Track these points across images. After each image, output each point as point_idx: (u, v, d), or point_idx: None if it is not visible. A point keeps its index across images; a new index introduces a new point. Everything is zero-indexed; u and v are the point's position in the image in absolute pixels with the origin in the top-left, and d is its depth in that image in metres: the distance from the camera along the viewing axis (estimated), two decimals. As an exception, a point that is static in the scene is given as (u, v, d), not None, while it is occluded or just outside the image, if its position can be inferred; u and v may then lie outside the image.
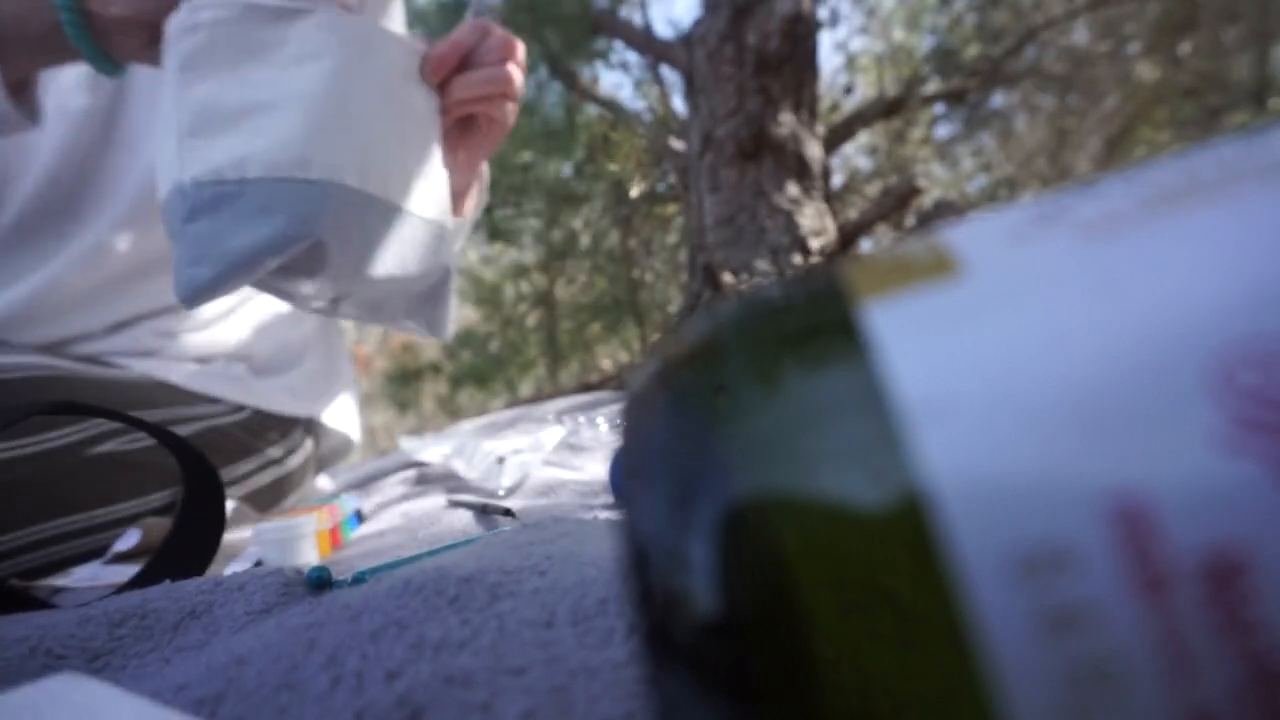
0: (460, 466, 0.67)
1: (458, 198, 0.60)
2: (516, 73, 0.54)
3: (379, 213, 0.48)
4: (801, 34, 2.14)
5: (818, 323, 0.12)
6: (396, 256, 0.50)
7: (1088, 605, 0.09)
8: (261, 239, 0.44)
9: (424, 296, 0.55)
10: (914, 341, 0.10)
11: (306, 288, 0.49)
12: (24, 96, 0.51)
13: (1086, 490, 0.09)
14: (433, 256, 0.53)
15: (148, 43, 0.48)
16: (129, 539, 0.50)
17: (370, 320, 0.55)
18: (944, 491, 0.09)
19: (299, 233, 0.45)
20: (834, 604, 0.10)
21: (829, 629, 0.10)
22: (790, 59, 2.15)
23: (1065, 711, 0.09)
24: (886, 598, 0.10)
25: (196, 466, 0.40)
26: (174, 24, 0.46)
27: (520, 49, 0.54)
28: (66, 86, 0.59)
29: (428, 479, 0.71)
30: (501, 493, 0.58)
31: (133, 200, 0.61)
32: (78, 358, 0.61)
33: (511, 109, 0.56)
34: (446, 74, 0.52)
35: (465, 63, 0.53)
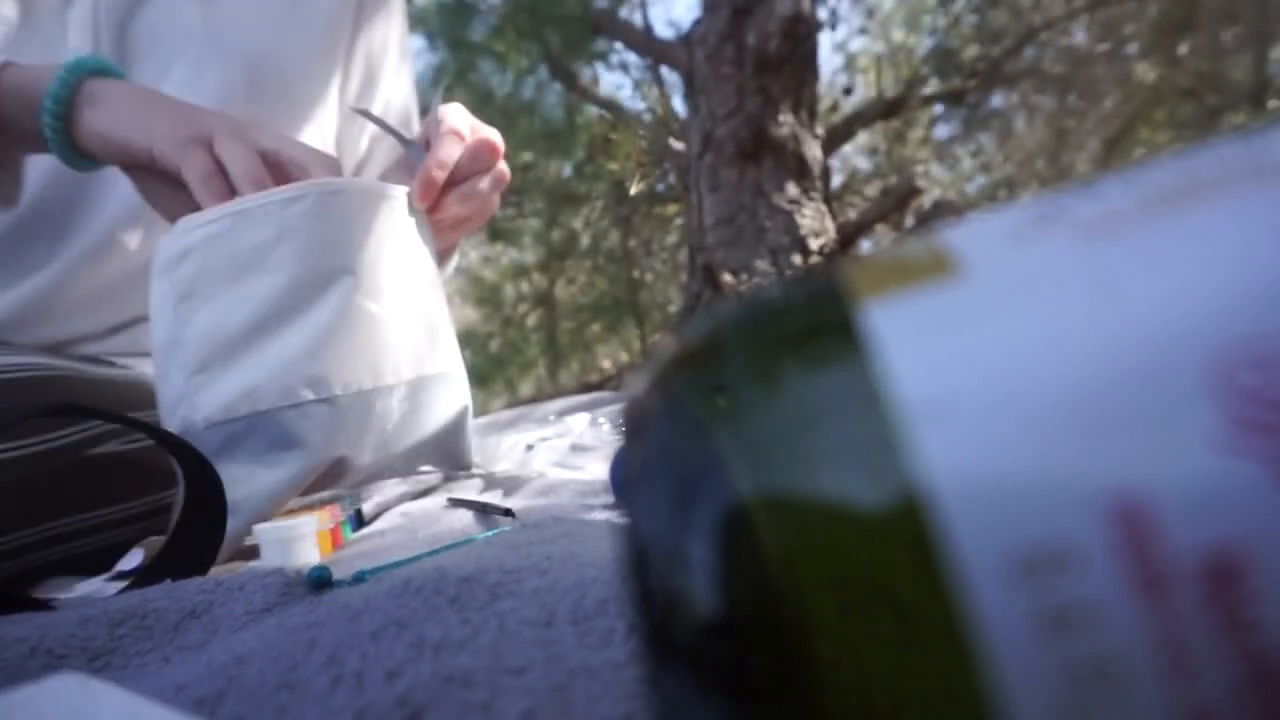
0: (481, 464, 0.67)
1: (443, 255, 0.61)
2: (503, 171, 0.56)
3: (398, 396, 0.48)
4: (801, 34, 2.14)
5: (818, 323, 0.12)
6: (419, 422, 0.51)
7: (1088, 605, 0.09)
8: (281, 477, 0.44)
9: (445, 438, 0.55)
10: (914, 342, 0.11)
11: (337, 486, 0.49)
12: (5, 175, 0.52)
13: (1086, 490, 0.09)
14: (451, 403, 0.53)
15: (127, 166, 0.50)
16: (133, 558, 0.50)
17: (408, 472, 0.55)
18: (944, 491, 0.09)
19: (319, 460, 0.44)
20: (834, 604, 0.10)
21: (829, 629, 0.10)
22: (790, 59, 2.15)
23: (1065, 711, 0.09)
24: (886, 598, 0.10)
25: (196, 467, 0.40)
26: (164, 253, 0.46)
27: (500, 142, 0.56)
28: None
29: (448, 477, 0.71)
30: (537, 473, 0.58)
31: (130, 202, 0.61)
32: (78, 358, 0.61)
33: (498, 198, 0.58)
34: (439, 197, 0.54)
35: (453, 177, 0.54)
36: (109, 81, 0.49)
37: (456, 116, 0.56)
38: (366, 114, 0.61)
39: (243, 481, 0.44)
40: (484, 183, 0.56)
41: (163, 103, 0.49)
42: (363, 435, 0.47)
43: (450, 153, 0.53)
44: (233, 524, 0.43)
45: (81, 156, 0.50)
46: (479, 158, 0.55)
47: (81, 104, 0.48)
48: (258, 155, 0.47)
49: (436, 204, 0.54)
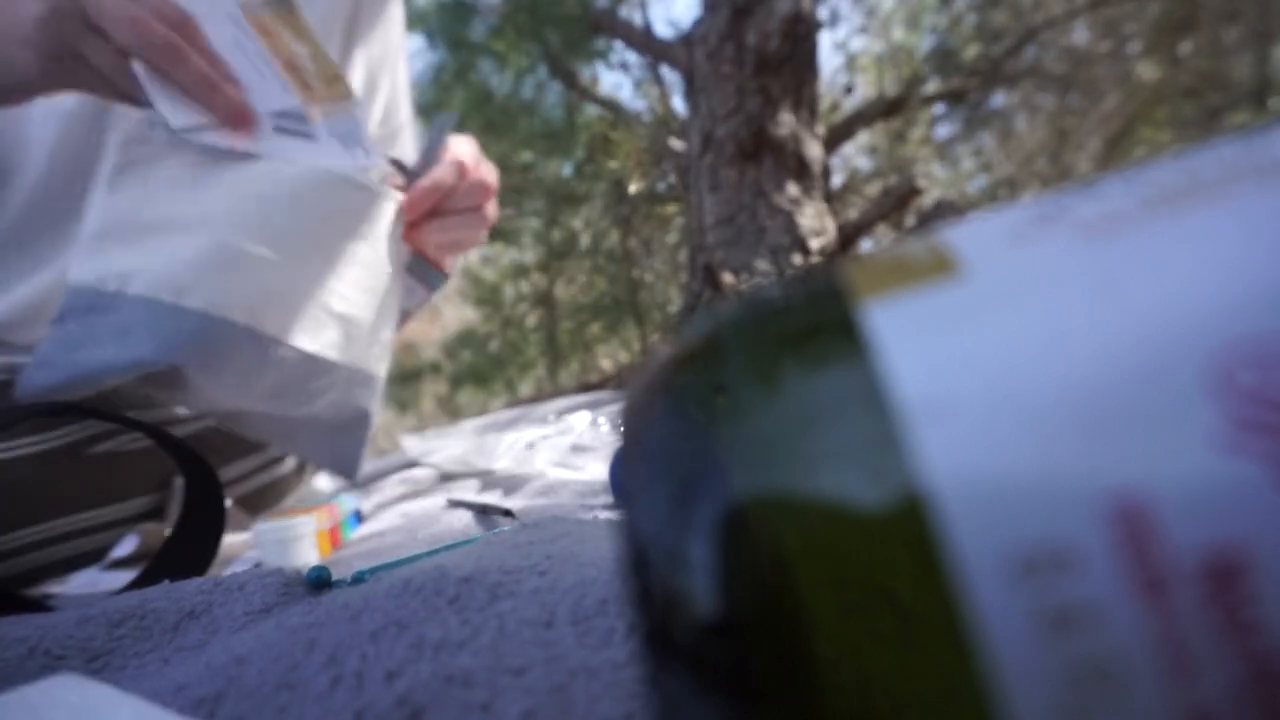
0: (481, 462, 0.68)
1: (436, 266, 0.62)
2: (491, 211, 0.58)
3: (266, 350, 0.47)
4: (801, 34, 2.14)
5: (818, 323, 0.12)
6: (288, 395, 0.50)
7: (1088, 605, 0.09)
8: (111, 358, 0.43)
9: (334, 435, 0.54)
10: (914, 341, 0.10)
11: (172, 401, 0.49)
12: None
13: (1086, 490, 0.09)
14: (345, 400, 0.52)
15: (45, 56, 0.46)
16: (126, 545, 0.50)
17: (282, 448, 0.55)
18: (944, 491, 0.09)
19: (153, 358, 0.44)
20: (834, 604, 0.10)
21: (829, 629, 0.10)
22: (790, 59, 2.15)
23: (1065, 711, 0.09)
24: (886, 598, 0.10)
25: (195, 467, 0.40)
26: (125, 131, 0.46)
27: (495, 184, 0.58)
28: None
29: (447, 477, 0.71)
30: (538, 473, 0.58)
31: None
32: None
33: (482, 233, 0.60)
34: (421, 216, 0.55)
35: (441, 203, 0.55)
36: None
37: (464, 149, 0.57)
38: (399, 165, 0.61)
39: (82, 347, 0.43)
40: (466, 220, 0.57)
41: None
42: (213, 362, 0.46)
43: (446, 179, 0.55)
44: (50, 378, 0.43)
45: None
46: (471, 195, 0.56)
47: None
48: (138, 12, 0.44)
49: (417, 222, 0.56)
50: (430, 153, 0.58)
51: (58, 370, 0.43)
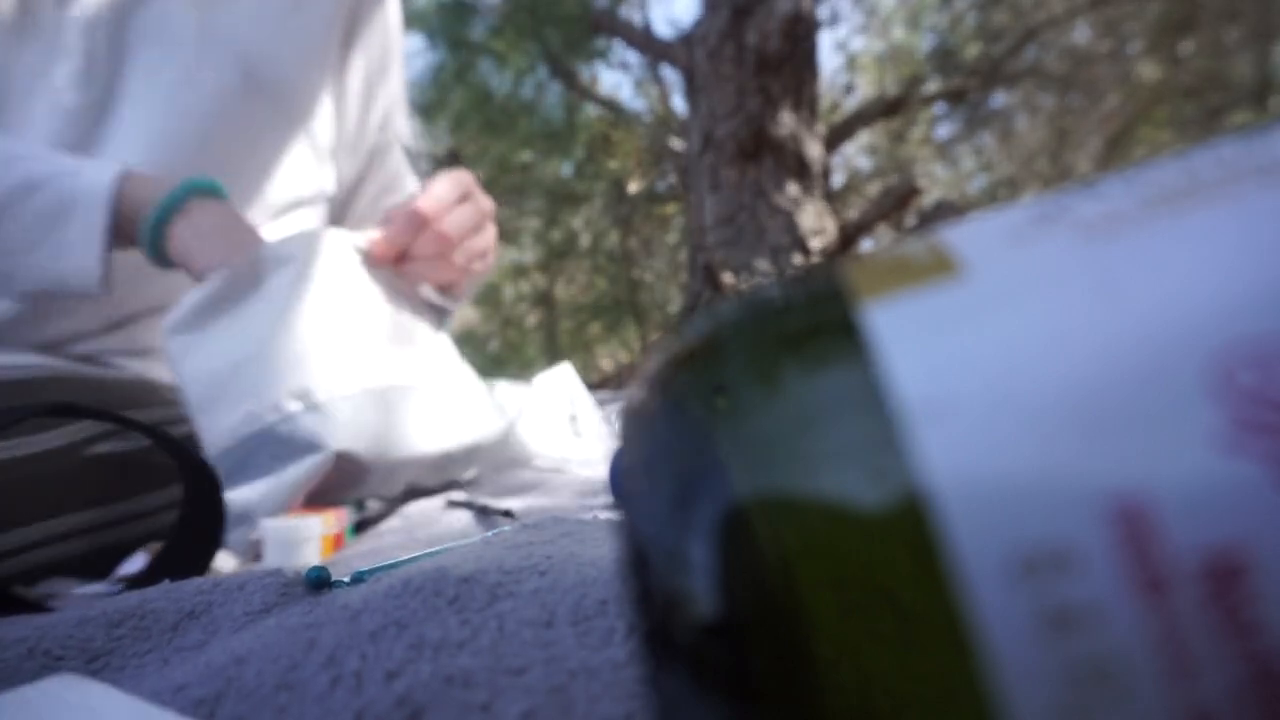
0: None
1: (452, 289, 0.66)
2: (490, 236, 0.62)
3: (409, 398, 0.54)
4: (801, 34, 2.14)
5: (818, 323, 0.12)
6: (444, 426, 0.56)
7: (1088, 605, 0.09)
8: (284, 481, 0.49)
9: (485, 452, 0.61)
10: (914, 341, 0.10)
11: (370, 490, 0.55)
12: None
13: (1086, 490, 0.09)
14: (477, 411, 0.59)
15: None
16: (135, 562, 0.51)
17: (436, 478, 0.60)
18: (944, 491, 0.09)
19: (319, 460, 0.49)
20: (834, 604, 0.10)
21: (829, 629, 0.10)
22: (790, 59, 2.15)
23: (1065, 712, 0.09)
24: (886, 598, 0.10)
25: (195, 467, 0.40)
26: (165, 328, 0.52)
27: (492, 211, 0.62)
28: (59, 84, 0.59)
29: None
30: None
31: None
32: (75, 357, 0.61)
33: (487, 260, 0.64)
34: (390, 262, 0.59)
35: (404, 253, 0.60)
36: (208, 202, 0.54)
37: (442, 184, 0.60)
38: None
39: (251, 494, 0.49)
40: (432, 265, 0.60)
41: (237, 232, 0.54)
42: (359, 433, 0.51)
43: (399, 236, 0.58)
44: (245, 532, 0.48)
45: (167, 260, 0.55)
46: (430, 244, 0.59)
47: (178, 218, 0.54)
48: None
49: (399, 264, 0.60)
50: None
51: (254, 519, 0.48)
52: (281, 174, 0.67)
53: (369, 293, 0.57)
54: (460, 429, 0.57)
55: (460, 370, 0.62)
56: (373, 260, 0.58)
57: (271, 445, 0.49)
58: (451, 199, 0.59)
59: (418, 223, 0.58)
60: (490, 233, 0.63)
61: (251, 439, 0.50)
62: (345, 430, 0.50)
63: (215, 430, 0.50)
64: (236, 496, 0.48)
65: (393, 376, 0.54)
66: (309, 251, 0.54)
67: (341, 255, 0.56)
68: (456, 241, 0.59)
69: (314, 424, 0.50)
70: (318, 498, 0.52)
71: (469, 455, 0.58)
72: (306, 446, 0.49)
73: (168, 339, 0.53)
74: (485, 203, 0.62)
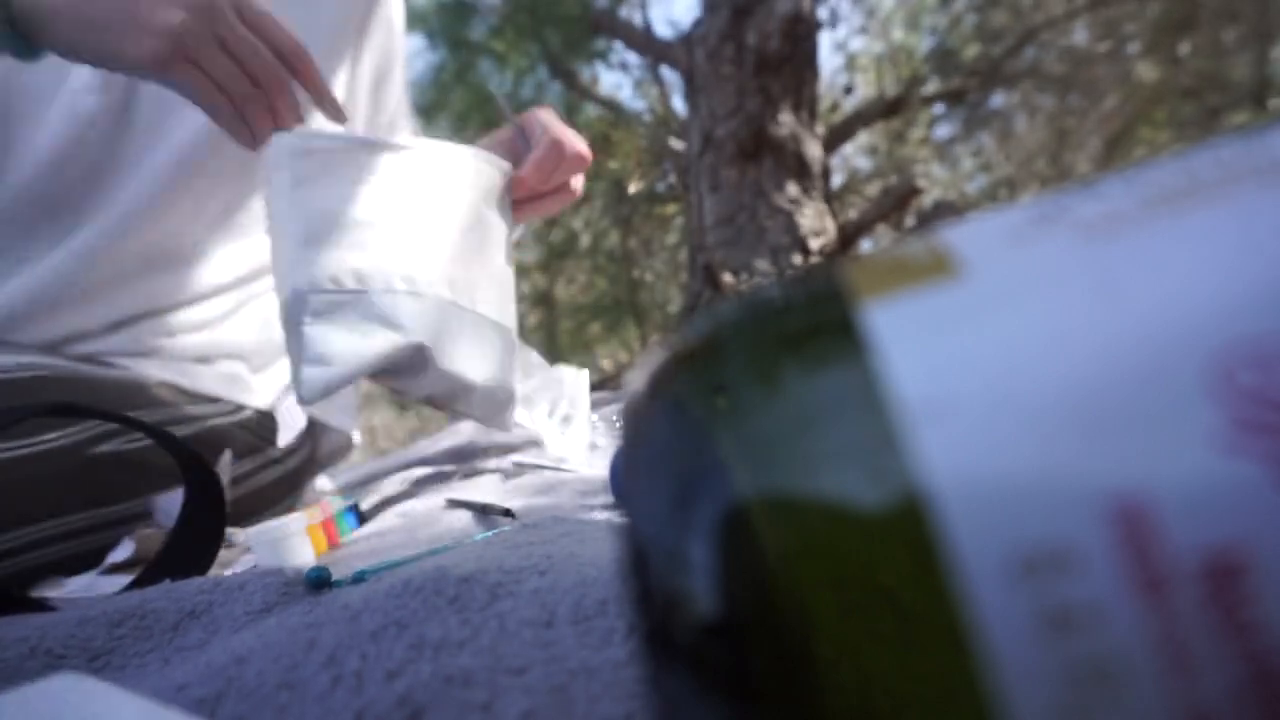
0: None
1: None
2: (578, 185, 0.61)
3: (468, 322, 0.56)
4: (801, 34, 2.14)
5: (817, 323, 0.12)
6: (480, 360, 0.57)
7: (1087, 605, 0.09)
8: (379, 345, 0.51)
9: (490, 395, 0.61)
10: (914, 342, 0.10)
11: (405, 384, 0.56)
12: None
13: (1086, 490, 0.09)
14: (507, 360, 0.60)
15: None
16: (123, 550, 0.51)
17: (451, 410, 0.61)
18: (944, 492, 0.09)
19: (410, 340, 0.51)
20: (834, 604, 0.10)
21: (829, 629, 0.10)
22: (790, 59, 2.15)
23: (1065, 711, 0.09)
24: (886, 598, 0.10)
25: (195, 467, 0.40)
26: (284, 146, 0.52)
27: (588, 155, 0.61)
28: (77, 87, 0.59)
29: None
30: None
31: (135, 200, 0.61)
32: (77, 357, 0.61)
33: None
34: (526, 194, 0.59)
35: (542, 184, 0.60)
36: None
37: (557, 126, 0.59)
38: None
39: (337, 341, 0.50)
40: (560, 198, 0.61)
41: None
42: (441, 339, 0.53)
43: (553, 155, 0.58)
44: (333, 373, 0.49)
45: (33, 48, 0.49)
46: (573, 165, 0.59)
47: None
48: (237, 54, 0.50)
49: (519, 201, 0.59)
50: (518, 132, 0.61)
51: (339, 364, 0.50)
52: None
53: (476, 208, 0.58)
54: (489, 368, 0.58)
55: (511, 314, 0.63)
56: (521, 187, 0.58)
57: (364, 308, 0.51)
58: (569, 132, 0.60)
59: (559, 150, 0.58)
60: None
61: (350, 295, 0.51)
62: (430, 328, 0.52)
63: (313, 266, 0.50)
64: (317, 334, 0.49)
65: (472, 296, 0.56)
66: (440, 155, 0.56)
67: (462, 166, 0.57)
68: (577, 191, 0.60)
69: (412, 310, 0.51)
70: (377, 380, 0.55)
71: (475, 394, 0.59)
72: (396, 326, 0.51)
73: (285, 153, 0.51)
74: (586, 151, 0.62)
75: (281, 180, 0.52)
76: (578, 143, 0.59)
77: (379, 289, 0.51)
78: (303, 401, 0.49)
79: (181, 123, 0.60)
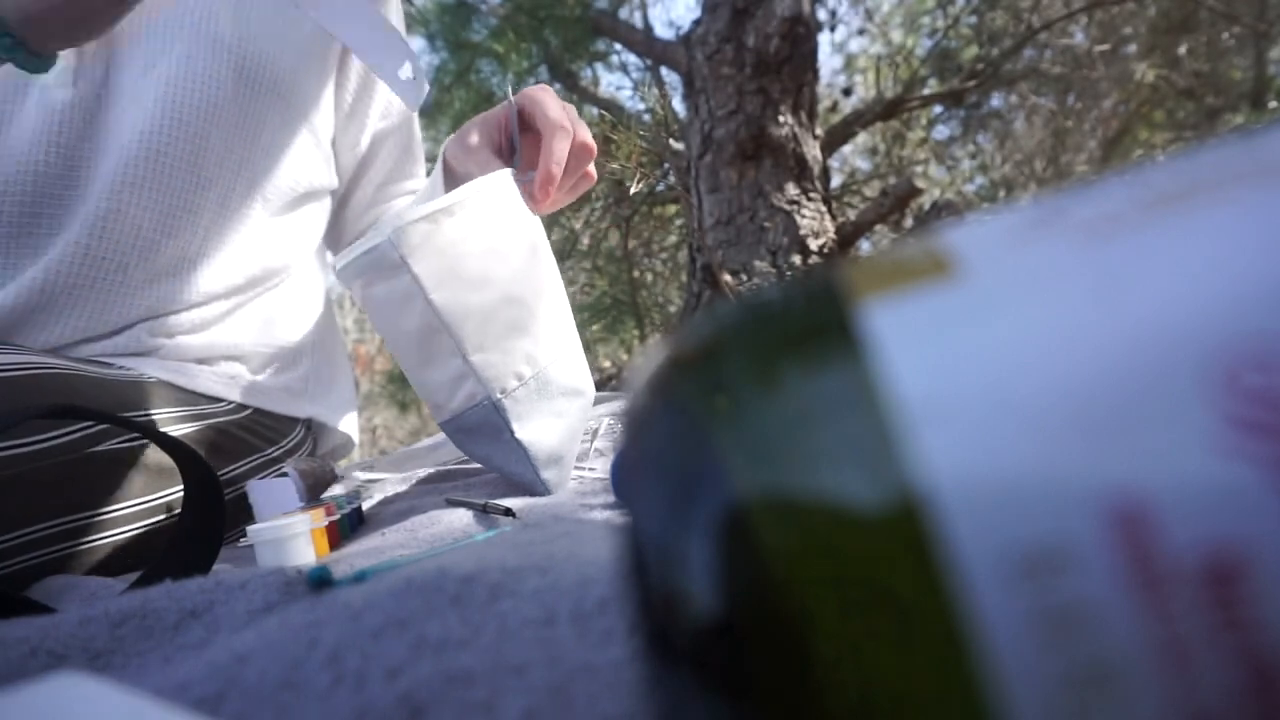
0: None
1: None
2: (592, 172, 0.60)
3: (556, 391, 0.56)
4: (801, 35, 2.14)
5: (818, 324, 0.12)
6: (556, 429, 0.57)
7: (1087, 606, 0.09)
8: (577, 415, 0.56)
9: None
10: (913, 343, 0.11)
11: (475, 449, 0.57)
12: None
13: (1086, 491, 0.09)
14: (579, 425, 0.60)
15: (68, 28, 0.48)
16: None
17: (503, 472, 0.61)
18: (943, 492, 0.10)
19: (589, 400, 0.56)
20: (834, 604, 0.10)
21: (829, 629, 0.10)
22: (790, 60, 2.15)
23: (1064, 711, 0.09)
24: (886, 598, 0.10)
25: (195, 467, 0.40)
26: (377, 256, 0.51)
27: (592, 144, 0.60)
28: (49, 81, 0.59)
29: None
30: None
31: (113, 193, 0.60)
32: (77, 358, 0.61)
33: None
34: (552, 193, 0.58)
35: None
36: None
37: (556, 107, 0.58)
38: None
39: (551, 430, 0.52)
40: (578, 185, 0.60)
41: None
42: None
43: (563, 149, 0.56)
44: (556, 476, 0.52)
45: (39, 56, 0.48)
46: (581, 158, 0.58)
47: None
48: None
49: (539, 198, 0.58)
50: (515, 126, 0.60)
51: (565, 466, 0.54)
52: (286, 168, 0.67)
53: (531, 238, 0.57)
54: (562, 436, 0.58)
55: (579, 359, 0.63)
56: (543, 186, 0.56)
57: (553, 383, 0.52)
58: (571, 116, 0.59)
59: (566, 133, 0.56)
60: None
61: (537, 377, 0.52)
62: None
63: (496, 371, 0.51)
64: (528, 436, 0.51)
65: (557, 357, 0.56)
66: (509, 190, 0.54)
67: (513, 201, 0.56)
68: (592, 176, 0.59)
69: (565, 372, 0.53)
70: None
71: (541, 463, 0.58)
72: (575, 388, 0.53)
73: (384, 278, 0.50)
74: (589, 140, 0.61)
75: (405, 289, 0.50)
76: (581, 132, 0.58)
77: (547, 364, 0.52)
78: (548, 493, 0.51)
79: (160, 114, 0.59)
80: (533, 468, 0.52)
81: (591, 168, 0.60)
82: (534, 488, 0.53)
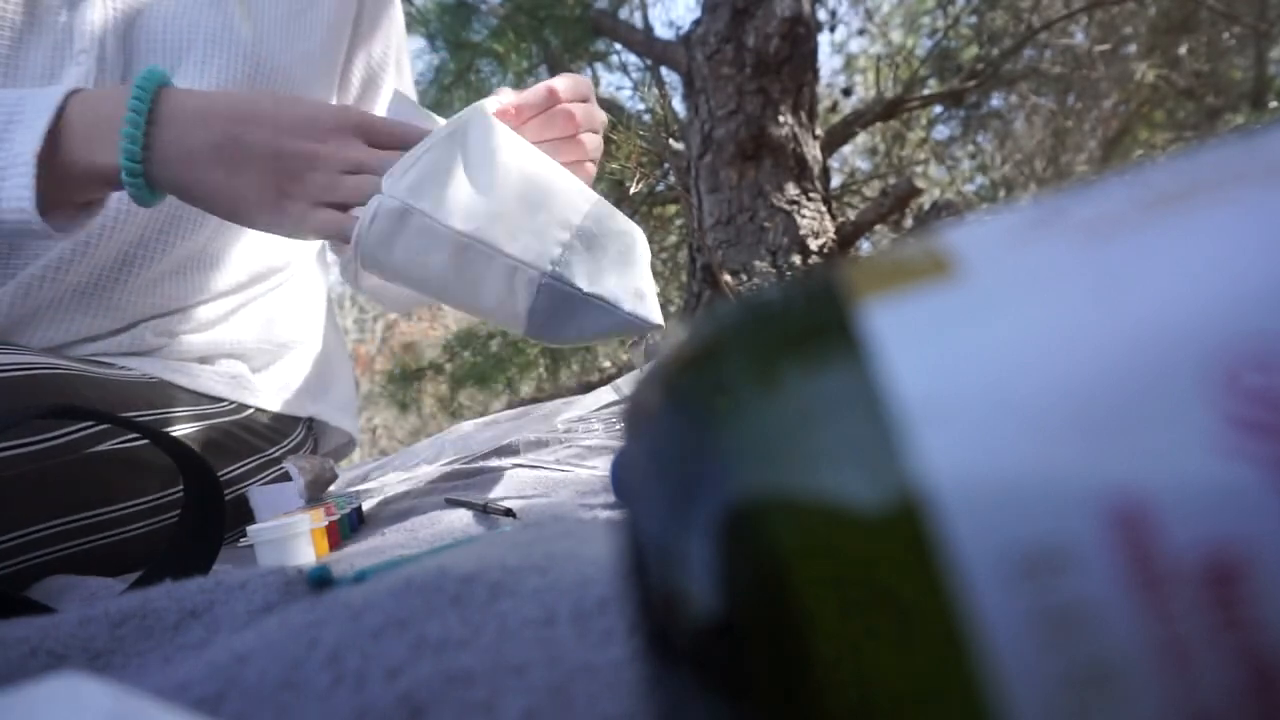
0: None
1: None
2: (590, 143, 0.60)
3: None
4: (801, 35, 2.14)
5: (817, 324, 0.12)
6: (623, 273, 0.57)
7: (1087, 606, 0.09)
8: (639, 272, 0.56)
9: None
10: (913, 343, 0.11)
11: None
12: (82, 210, 0.51)
13: (1086, 491, 0.09)
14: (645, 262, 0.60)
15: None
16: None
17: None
18: (943, 492, 0.10)
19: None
20: (834, 604, 0.10)
21: (829, 629, 0.10)
22: (790, 60, 2.15)
23: (1064, 712, 0.09)
24: (886, 598, 0.10)
25: (195, 467, 0.40)
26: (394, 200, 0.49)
27: (592, 122, 0.60)
28: (70, 87, 0.59)
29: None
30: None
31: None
32: (78, 358, 0.61)
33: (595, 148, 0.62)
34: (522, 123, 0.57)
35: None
36: (180, 94, 0.48)
37: (570, 80, 0.59)
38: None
39: (614, 272, 0.52)
40: (561, 148, 0.59)
41: (237, 142, 0.47)
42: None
43: (555, 82, 0.58)
44: (647, 309, 0.52)
45: (156, 193, 0.49)
46: (563, 125, 0.58)
47: (159, 129, 0.47)
48: (345, 172, 0.49)
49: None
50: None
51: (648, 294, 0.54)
52: None
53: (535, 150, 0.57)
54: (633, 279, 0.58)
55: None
56: (519, 109, 0.57)
57: (589, 240, 0.53)
58: (580, 92, 0.60)
59: (547, 96, 0.57)
60: (600, 141, 0.62)
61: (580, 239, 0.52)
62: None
63: (537, 246, 0.50)
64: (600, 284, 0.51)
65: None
66: (481, 118, 0.54)
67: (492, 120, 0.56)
68: (582, 126, 0.59)
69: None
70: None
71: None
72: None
73: (412, 200, 0.49)
74: (600, 112, 0.62)
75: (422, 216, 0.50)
76: (579, 109, 0.59)
77: (577, 222, 0.52)
78: (654, 328, 0.51)
79: None
80: (620, 311, 0.52)
81: (590, 166, 0.60)
82: (636, 328, 0.53)
